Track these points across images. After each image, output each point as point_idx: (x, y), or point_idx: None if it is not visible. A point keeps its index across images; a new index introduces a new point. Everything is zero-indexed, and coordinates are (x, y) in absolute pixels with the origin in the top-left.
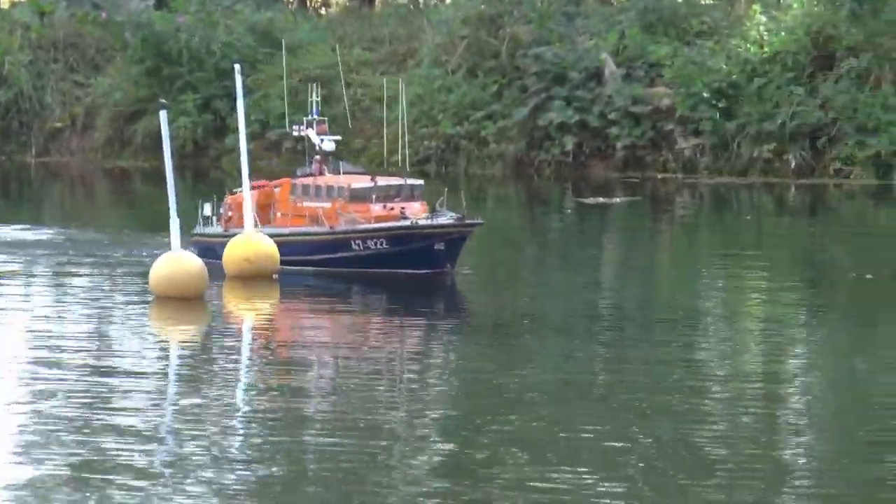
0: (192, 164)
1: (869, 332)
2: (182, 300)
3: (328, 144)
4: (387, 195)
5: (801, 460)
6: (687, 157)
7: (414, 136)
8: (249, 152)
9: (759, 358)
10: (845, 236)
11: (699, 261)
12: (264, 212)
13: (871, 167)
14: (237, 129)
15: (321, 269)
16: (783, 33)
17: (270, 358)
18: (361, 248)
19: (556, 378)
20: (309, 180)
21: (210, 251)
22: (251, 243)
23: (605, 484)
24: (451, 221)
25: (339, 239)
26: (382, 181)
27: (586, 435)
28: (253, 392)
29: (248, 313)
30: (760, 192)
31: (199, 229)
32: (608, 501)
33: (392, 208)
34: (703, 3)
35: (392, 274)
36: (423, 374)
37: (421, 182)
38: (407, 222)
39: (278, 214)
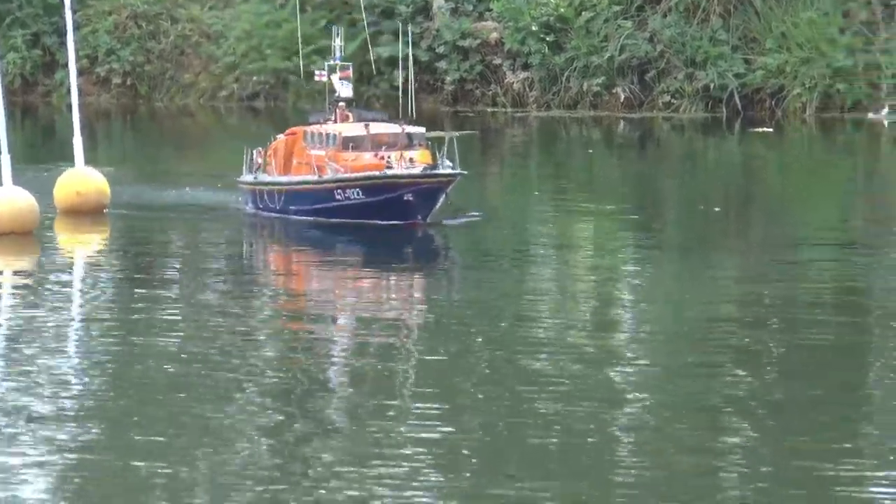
0: (21, 100)
1: (701, 262)
2: (12, 235)
3: (345, 90)
4: (381, 143)
5: (633, 379)
6: (516, 90)
7: (242, 71)
8: (78, 88)
9: (591, 285)
10: (677, 169)
11: (531, 195)
12: (288, 160)
13: (699, 100)
14: (66, 64)
15: (317, 219)
16: None
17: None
18: (343, 198)
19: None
20: (316, 127)
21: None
22: (81, 178)
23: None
24: (419, 171)
25: (323, 188)
26: (375, 128)
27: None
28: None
29: (79, 248)
30: (590, 125)
31: (243, 177)
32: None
33: (382, 157)
34: None
35: (371, 225)
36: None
37: (421, 130)
38: (378, 172)
39: (294, 162)
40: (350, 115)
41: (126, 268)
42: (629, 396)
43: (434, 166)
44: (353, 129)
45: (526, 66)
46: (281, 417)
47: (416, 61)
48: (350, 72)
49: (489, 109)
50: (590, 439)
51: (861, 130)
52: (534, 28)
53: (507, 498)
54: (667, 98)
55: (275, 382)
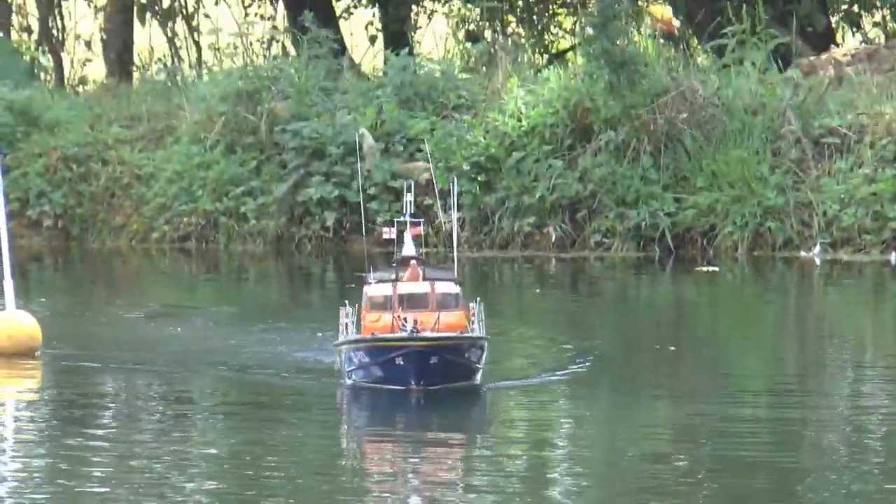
0: None
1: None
2: None
3: (408, 248)
4: (410, 304)
5: None
6: (447, 231)
7: (173, 213)
8: (9, 231)
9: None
10: (611, 307)
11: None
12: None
13: (631, 239)
14: None
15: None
16: (541, 107)
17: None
18: (357, 361)
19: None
20: (367, 288)
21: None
22: (12, 321)
23: None
24: (406, 334)
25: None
26: (404, 288)
27: None
28: None
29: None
30: (522, 265)
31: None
32: None
33: (404, 319)
34: (460, 77)
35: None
36: None
37: (457, 290)
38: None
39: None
40: (420, 272)
41: (58, 413)
42: None
43: (415, 329)
44: (381, 288)
45: (458, 207)
46: None
47: (345, 202)
48: (420, 229)
49: (421, 250)
50: None
51: (793, 268)
52: (465, 168)
53: None
54: (598, 237)
55: None
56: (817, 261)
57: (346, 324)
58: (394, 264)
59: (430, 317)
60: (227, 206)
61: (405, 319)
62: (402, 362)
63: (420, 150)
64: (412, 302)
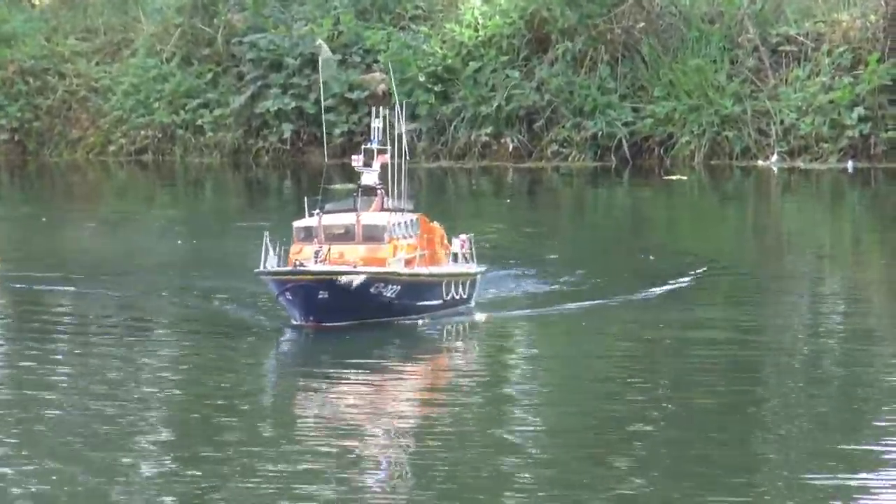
0: None
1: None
2: None
3: (367, 177)
4: (332, 235)
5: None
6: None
7: (130, 126)
8: None
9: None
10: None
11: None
12: None
13: (588, 149)
14: None
15: None
16: (497, 17)
17: None
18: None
19: None
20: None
21: None
22: None
23: None
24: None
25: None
26: (328, 219)
27: None
28: None
29: None
30: (478, 175)
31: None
32: None
33: (317, 252)
34: None
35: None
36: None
37: (382, 223)
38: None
39: None
40: (385, 202)
41: (16, 328)
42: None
43: (300, 263)
44: (306, 220)
45: (414, 117)
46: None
47: (303, 114)
48: (387, 157)
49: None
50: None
51: (750, 177)
52: (421, 79)
53: None
54: (555, 147)
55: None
56: (774, 169)
57: (268, 250)
58: (355, 194)
59: (354, 250)
60: (183, 119)
61: (317, 253)
62: (290, 297)
63: (377, 62)
64: (336, 234)
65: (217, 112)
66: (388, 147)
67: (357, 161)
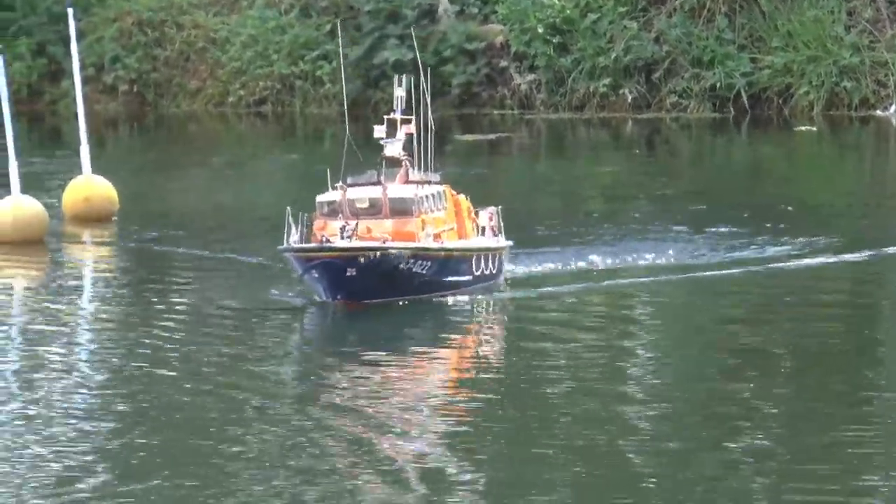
0: (27, 109)
1: None
2: (24, 243)
3: (389, 148)
4: (356, 211)
5: None
6: (523, 93)
7: (249, 77)
8: (85, 96)
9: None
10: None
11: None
12: None
13: (706, 100)
14: (72, 72)
15: None
16: None
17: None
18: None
19: None
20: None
21: None
22: (89, 185)
23: None
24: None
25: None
26: (353, 193)
27: None
28: None
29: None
30: (597, 126)
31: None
32: None
33: (343, 228)
34: None
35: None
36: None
37: (410, 196)
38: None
39: None
40: (407, 174)
41: (135, 276)
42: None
43: (326, 240)
44: (330, 195)
45: (532, 69)
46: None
47: (422, 65)
48: (412, 126)
49: (496, 112)
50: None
51: (868, 127)
52: (539, 30)
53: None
54: (674, 98)
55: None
56: (893, 120)
57: (290, 226)
58: (378, 165)
59: (381, 225)
60: (302, 70)
61: (344, 229)
62: (316, 275)
63: (495, 13)
64: (361, 209)
65: (336, 63)
66: (412, 116)
67: (380, 132)
